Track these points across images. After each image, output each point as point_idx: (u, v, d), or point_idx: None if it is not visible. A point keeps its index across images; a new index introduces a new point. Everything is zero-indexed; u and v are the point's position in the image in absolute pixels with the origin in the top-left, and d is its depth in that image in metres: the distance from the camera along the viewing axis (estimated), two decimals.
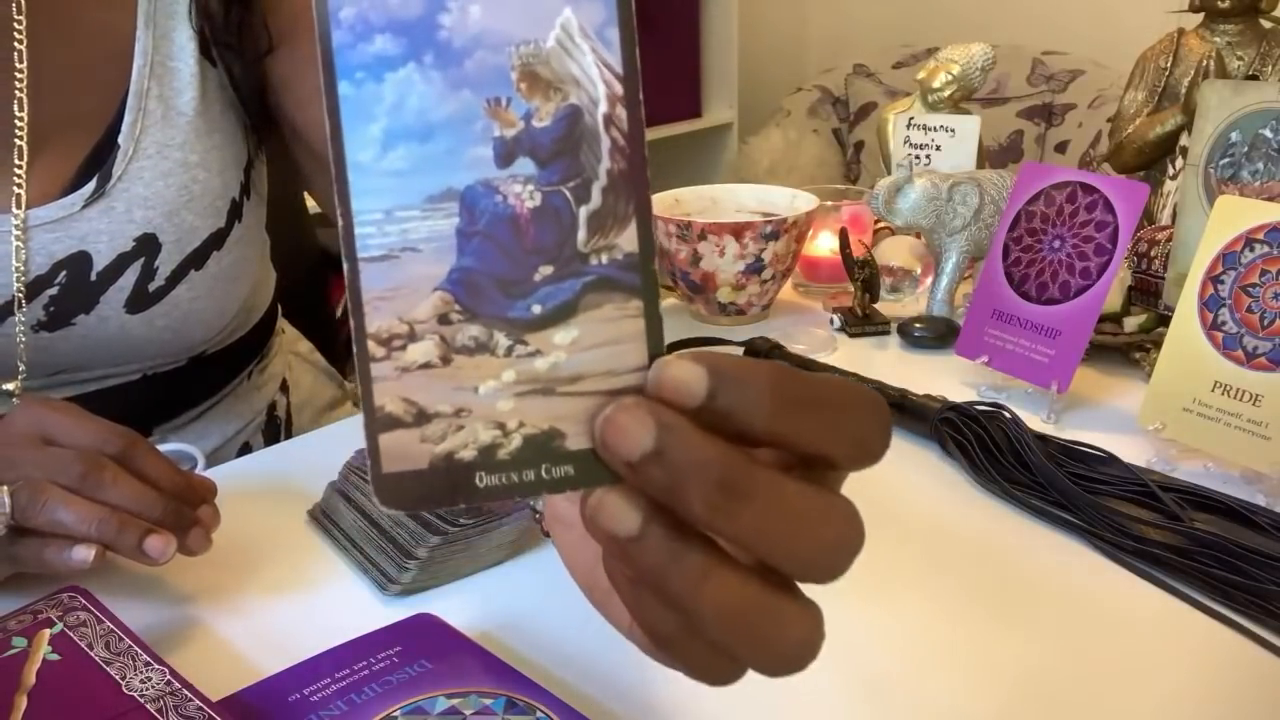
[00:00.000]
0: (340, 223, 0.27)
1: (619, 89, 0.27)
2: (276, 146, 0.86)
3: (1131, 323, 0.86)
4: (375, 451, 0.27)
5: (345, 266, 0.27)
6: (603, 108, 0.27)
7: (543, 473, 0.28)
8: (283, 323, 1.00)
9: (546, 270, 0.28)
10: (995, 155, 2.42)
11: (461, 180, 0.27)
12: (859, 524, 0.29)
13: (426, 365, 0.28)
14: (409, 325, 0.28)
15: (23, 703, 0.46)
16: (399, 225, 0.27)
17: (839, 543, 0.28)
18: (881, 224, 1.06)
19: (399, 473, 0.28)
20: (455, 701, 0.46)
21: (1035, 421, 0.74)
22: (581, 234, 0.28)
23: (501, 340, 0.28)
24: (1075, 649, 0.53)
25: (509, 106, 0.27)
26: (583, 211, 0.28)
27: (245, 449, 0.89)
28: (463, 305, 0.28)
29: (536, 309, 0.28)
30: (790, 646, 0.29)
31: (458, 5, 0.27)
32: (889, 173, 1.04)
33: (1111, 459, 0.66)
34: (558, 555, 0.41)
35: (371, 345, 0.27)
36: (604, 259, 0.28)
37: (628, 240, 0.28)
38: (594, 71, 0.27)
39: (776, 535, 0.27)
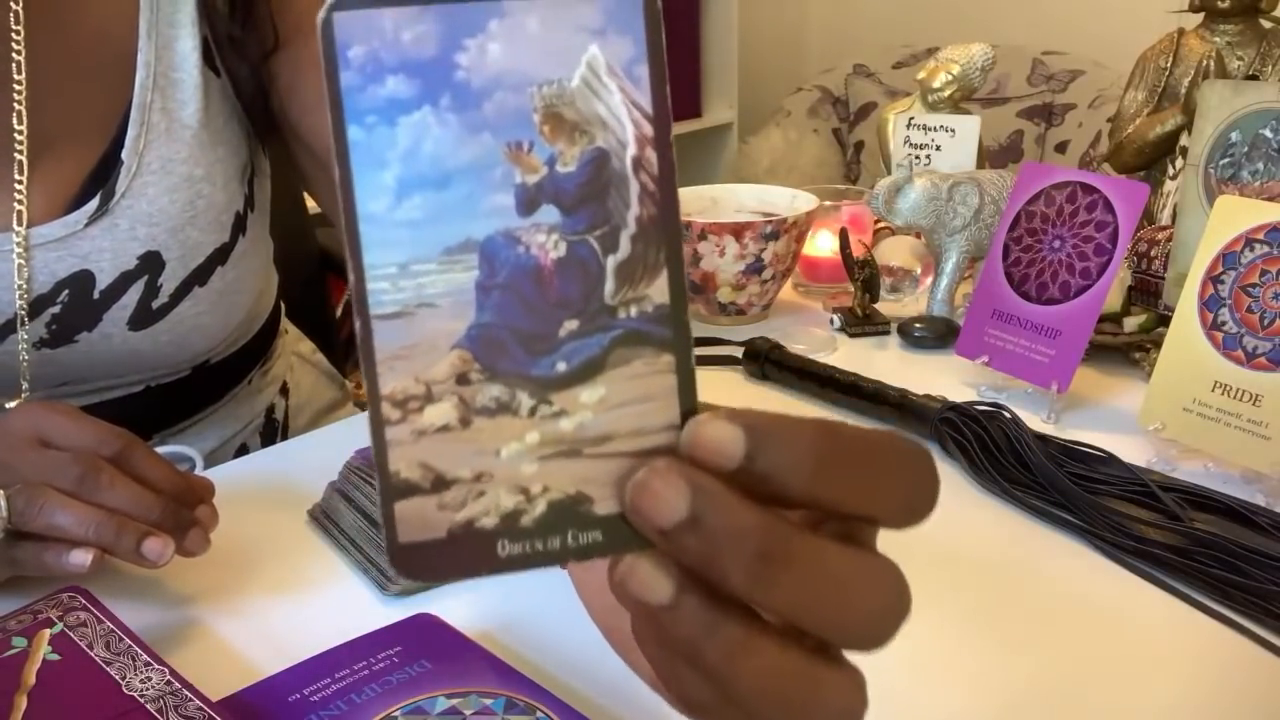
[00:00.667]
0: (351, 277, 0.26)
1: (649, 130, 0.26)
2: (278, 148, 0.86)
3: (1131, 323, 0.86)
4: (391, 520, 0.26)
5: (357, 324, 0.26)
6: (631, 150, 0.26)
7: (569, 539, 0.26)
8: (286, 323, 0.99)
9: (572, 325, 0.26)
10: (995, 155, 2.42)
11: (481, 230, 0.26)
12: (904, 588, 0.27)
13: (445, 428, 0.26)
14: (426, 386, 0.26)
15: (23, 703, 0.46)
16: (414, 280, 0.26)
17: (884, 611, 0.27)
18: (881, 224, 1.06)
19: (417, 543, 0.26)
20: (455, 701, 0.46)
21: (1035, 421, 0.74)
22: (609, 285, 0.26)
23: (524, 400, 0.26)
24: (1075, 649, 0.53)
25: (531, 151, 0.26)
26: (610, 261, 0.26)
27: (242, 450, 0.89)
28: (483, 364, 0.26)
29: (561, 366, 0.26)
30: (832, 716, 0.27)
31: (476, 43, 0.25)
32: (889, 173, 1.04)
33: (1111, 459, 0.66)
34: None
35: (386, 408, 0.26)
36: (633, 311, 0.26)
37: (659, 291, 0.26)
38: (622, 112, 0.26)
39: (818, 605, 0.26)
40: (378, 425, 0.26)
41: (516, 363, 0.26)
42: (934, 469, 0.28)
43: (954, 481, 0.69)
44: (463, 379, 0.26)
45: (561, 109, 0.26)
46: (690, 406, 0.27)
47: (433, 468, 0.26)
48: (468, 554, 0.26)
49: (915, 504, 0.27)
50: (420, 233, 0.25)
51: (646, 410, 0.26)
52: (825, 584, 0.26)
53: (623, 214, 0.26)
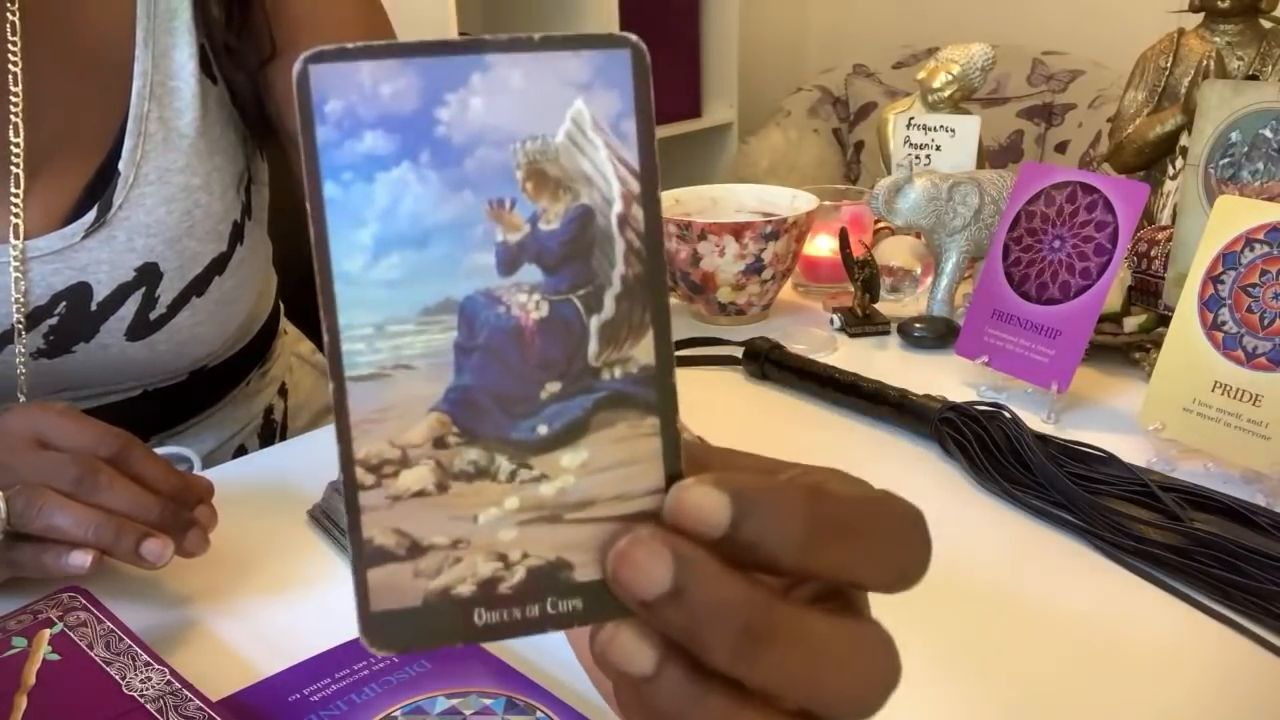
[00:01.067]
0: (325, 338, 0.25)
1: (635, 187, 0.25)
2: (276, 150, 0.86)
3: (1131, 323, 0.86)
4: (363, 588, 0.25)
5: (331, 386, 0.25)
6: (617, 207, 0.25)
7: (548, 607, 0.26)
8: (285, 323, 0.99)
9: (554, 387, 0.25)
10: (995, 155, 2.42)
11: (460, 290, 0.25)
12: (894, 657, 0.26)
13: (421, 493, 0.25)
14: (401, 450, 0.25)
15: (23, 703, 0.46)
16: (391, 341, 0.25)
17: (873, 683, 0.26)
18: (881, 224, 1.06)
19: (390, 611, 0.25)
20: (455, 701, 0.46)
21: (1035, 421, 0.74)
22: (593, 346, 0.25)
23: (504, 464, 0.25)
24: (1075, 649, 0.53)
25: (513, 208, 0.25)
26: (594, 321, 0.25)
27: (240, 451, 0.89)
28: (461, 427, 0.25)
29: (543, 429, 0.26)
30: None
31: (457, 99, 0.24)
32: (889, 173, 1.04)
33: (1111, 459, 0.66)
34: None
35: (360, 473, 0.25)
36: (617, 373, 0.26)
37: (644, 352, 0.26)
38: (608, 168, 0.25)
39: (805, 680, 0.25)
40: (351, 490, 0.25)
41: (496, 426, 0.25)
42: (926, 533, 0.27)
43: (954, 481, 0.69)
44: (440, 443, 0.25)
45: (545, 165, 0.25)
46: (675, 470, 0.26)
47: (408, 534, 0.25)
48: (443, 623, 0.25)
49: (908, 571, 0.26)
50: (398, 293, 0.25)
51: (630, 474, 0.26)
52: (811, 659, 0.25)
53: (607, 273, 0.25)
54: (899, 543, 0.26)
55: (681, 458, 0.26)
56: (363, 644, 0.25)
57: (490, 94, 0.25)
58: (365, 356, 0.25)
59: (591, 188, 0.25)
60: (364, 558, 0.25)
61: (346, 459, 0.25)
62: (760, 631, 0.24)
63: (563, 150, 0.25)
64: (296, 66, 0.24)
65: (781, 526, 0.25)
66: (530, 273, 0.25)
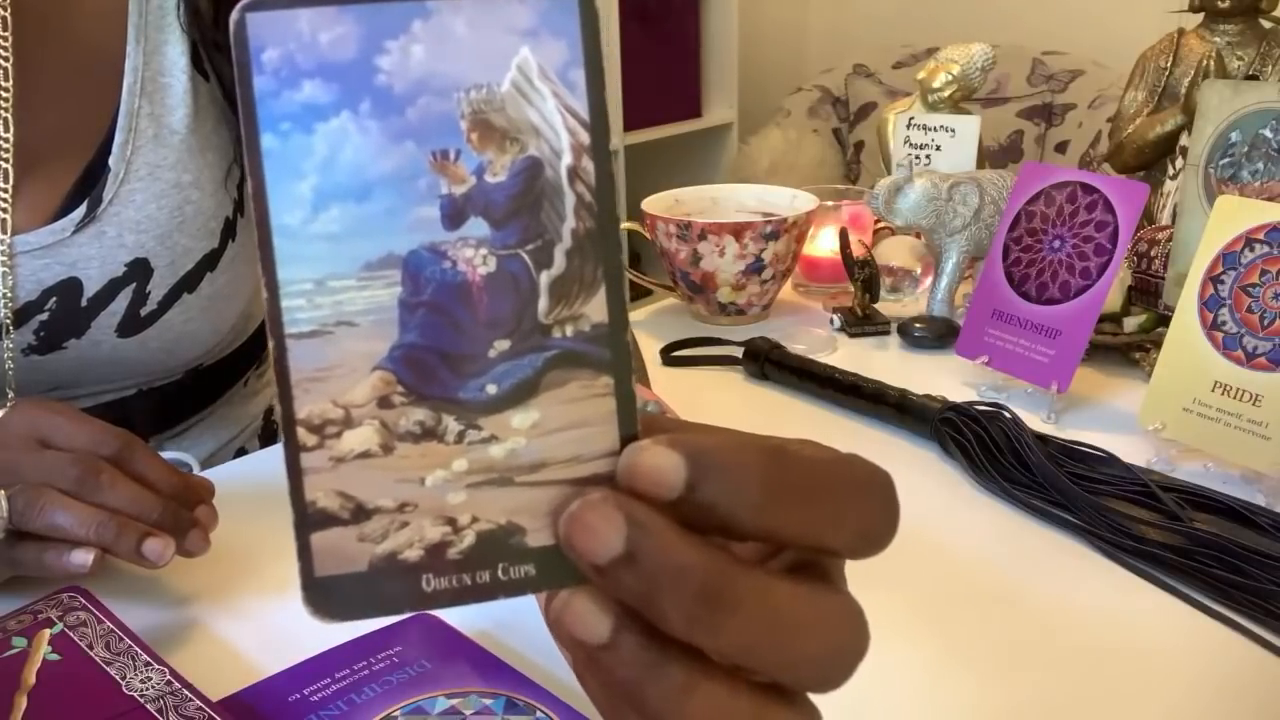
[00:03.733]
0: (264, 294, 0.24)
1: (585, 138, 0.24)
2: None
3: (1131, 323, 0.86)
4: (306, 552, 0.25)
5: (270, 344, 0.24)
6: (567, 159, 0.24)
7: (499, 573, 0.25)
8: None
9: (503, 345, 0.25)
10: (995, 155, 2.42)
11: (404, 244, 0.24)
12: (861, 626, 0.26)
13: (365, 454, 0.24)
14: (344, 410, 0.24)
15: (23, 703, 0.46)
16: (332, 296, 0.24)
17: (837, 652, 0.25)
18: (881, 224, 1.06)
19: (334, 576, 0.24)
20: (455, 701, 0.46)
21: (1035, 421, 0.74)
22: (543, 303, 0.25)
23: (451, 425, 0.25)
24: (1075, 649, 0.53)
25: (458, 160, 0.24)
26: (544, 278, 0.24)
27: (241, 455, 0.89)
28: (406, 386, 0.24)
29: (492, 389, 0.25)
30: None
31: (398, 46, 0.23)
32: (889, 173, 1.04)
33: (1111, 459, 0.66)
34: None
35: (301, 433, 0.24)
36: (569, 331, 0.25)
37: (596, 309, 0.25)
38: (556, 119, 0.24)
39: (765, 648, 0.24)
40: (292, 452, 0.24)
41: (443, 385, 0.25)
42: (894, 494, 0.26)
43: (954, 481, 0.69)
44: (385, 402, 0.24)
45: (490, 115, 0.24)
46: (630, 432, 0.25)
47: (352, 497, 0.24)
48: (390, 589, 0.25)
49: (873, 534, 0.26)
50: (339, 247, 0.24)
51: (583, 436, 0.25)
52: (771, 627, 0.24)
53: (557, 227, 0.24)
54: (863, 503, 0.26)
55: (637, 419, 0.25)
56: (306, 611, 0.25)
57: (432, 41, 0.24)
58: (306, 313, 0.24)
59: (539, 139, 0.24)
60: (306, 521, 0.25)
61: (288, 419, 0.24)
62: (717, 596, 0.23)
63: (509, 99, 0.24)
64: (234, 15, 0.23)
65: (738, 487, 0.24)
66: (477, 226, 0.24)
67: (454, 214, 0.24)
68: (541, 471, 0.25)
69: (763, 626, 0.24)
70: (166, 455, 0.75)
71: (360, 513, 0.25)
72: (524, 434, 0.25)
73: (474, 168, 0.24)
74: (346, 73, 0.24)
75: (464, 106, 0.24)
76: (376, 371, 0.24)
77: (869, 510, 0.26)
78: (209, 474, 0.67)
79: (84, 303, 0.72)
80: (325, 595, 0.25)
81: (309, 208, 0.24)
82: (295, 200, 0.24)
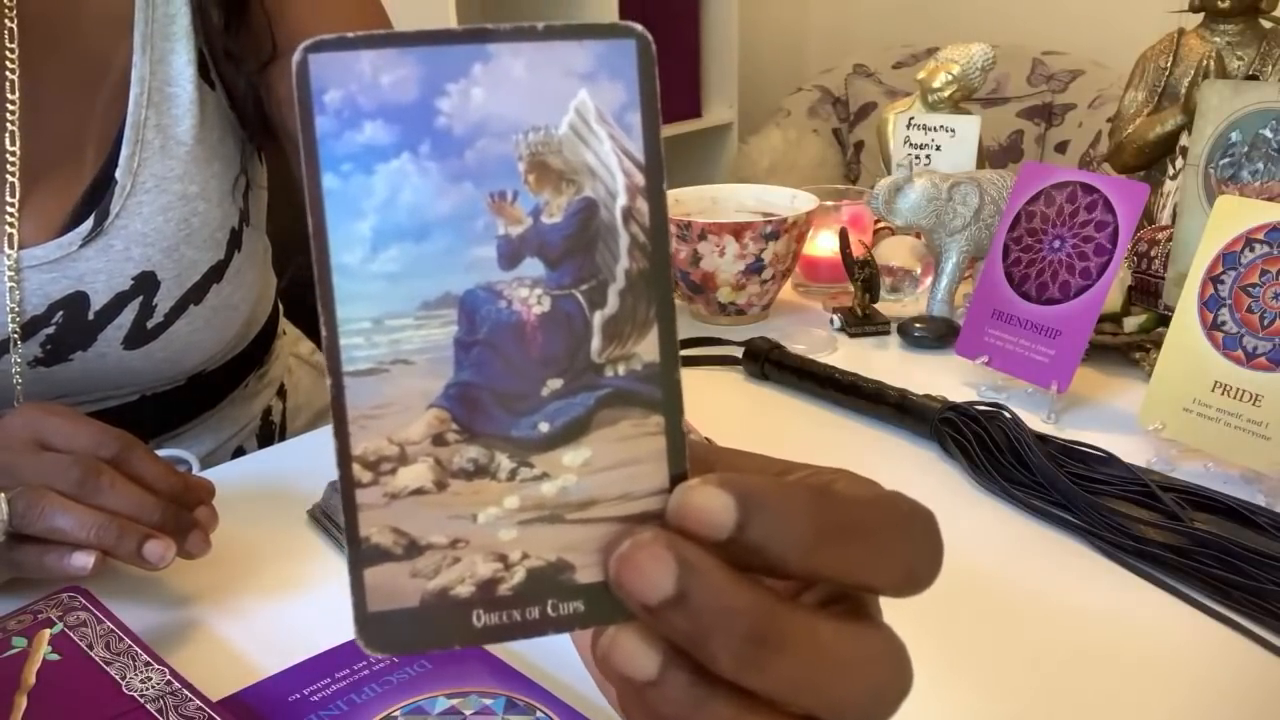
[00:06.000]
0: (323, 332, 0.24)
1: (640, 180, 0.25)
2: (272, 151, 0.85)
3: (1131, 323, 0.86)
4: (360, 587, 0.25)
5: (329, 381, 0.24)
6: (622, 200, 0.25)
7: (549, 609, 0.25)
8: (284, 324, 0.99)
9: (556, 384, 0.25)
10: (995, 155, 2.42)
11: (461, 284, 0.24)
12: (904, 664, 0.26)
13: (419, 491, 0.25)
14: (399, 447, 0.25)
15: (23, 703, 0.46)
16: (389, 335, 0.24)
17: (881, 690, 0.25)
18: (881, 224, 1.06)
19: (386, 611, 0.25)
20: (455, 701, 0.46)
21: (1035, 421, 0.74)
22: (596, 342, 0.25)
23: (504, 462, 0.25)
24: (1075, 649, 0.53)
25: (515, 201, 0.24)
26: (597, 317, 0.25)
27: (239, 453, 0.89)
28: (460, 424, 0.25)
29: (544, 427, 0.25)
30: None
31: (458, 89, 0.24)
32: (889, 173, 1.04)
33: (1111, 459, 0.66)
34: None
35: (357, 469, 0.24)
36: (621, 370, 0.25)
37: (648, 348, 0.25)
38: (612, 160, 0.25)
39: (812, 688, 0.24)
40: (348, 488, 0.24)
41: (496, 423, 0.25)
42: (937, 534, 0.26)
43: (954, 481, 0.69)
44: (439, 440, 0.25)
45: (548, 157, 0.24)
46: (680, 470, 0.25)
47: (405, 533, 0.25)
48: (441, 624, 0.25)
49: (917, 573, 0.26)
50: (397, 286, 0.24)
51: (633, 474, 0.25)
52: (817, 666, 0.24)
53: (611, 267, 0.25)
54: (908, 544, 0.26)
55: (686, 457, 0.25)
56: (359, 645, 0.25)
57: (492, 84, 0.24)
58: (363, 351, 0.24)
59: (595, 180, 0.25)
60: (361, 557, 0.25)
61: (344, 455, 0.24)
62: (766, 638, 0.24)
63: (566, 142, 0.24)
64: (296, 56, 0.23)
65: (788, 528, 0.24)
66: (532, 266, 0.25)
67: (510, 254, 0.25)
68: (591, 509, 0.25)
69: (810, 667, 0.24)
70: (165, 453, 0.75)
71: (413, 549, 0.25)
72: (575, 472, 0.25)
73: (531, 209, 0.25)
74: (407, 114, 0.24)
75: (522, 148, 0.24)
76: (431, 409, 0.25)
77: (915, 549, 0.26)
78: (208, 474, 0.67)
79: (91, 316, 0.72)
80: (378, 630, 0.25)
81: (368, 247, 0.24)
82: (355, 239, 0.24)
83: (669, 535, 0.24)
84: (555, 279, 0.25)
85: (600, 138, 0.25)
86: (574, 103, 0.24)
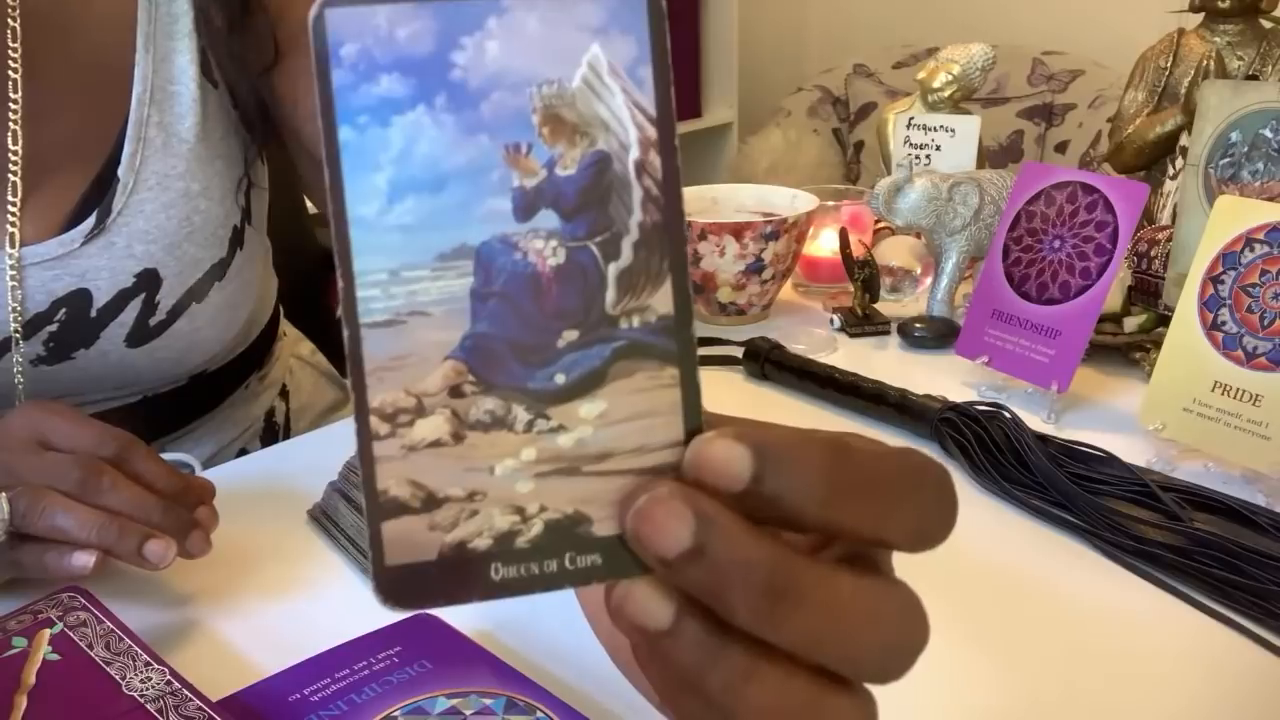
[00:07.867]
0: (341, 284, 0.24)
1: (652, 133, 0.25)
2: (276, 150, 0.85)
3: (1131, 323, 0.86)
4: (378, 541, 0.24)
5: (346, 333, 0.24)
6: (634, 153, 0.25)
7: (566, 562, 0.25)
8: (285, 325, 0.99)
9: (571, 335, 0.25)
10: (995, 155, 2.42)
11: (476, 236, 0.25)
12: (921, 618, 0.26)
13: (436, 443, 0.25)
14: (417, 398, 0.25)
15: (23, 703, 0.46)
16: (406, 286, 0.24)
17: (898, 644, 0.25)
18: (881, 224, 1.06)
19: (404, 565, 0.25)
20: (455, 701, 0.46)
21: (1035, 421, 0.74)
22: (610, 294, 0.25)
23: (521, 414, 0.25)
24: (1075, 649, 0.53)
25: (530, 153, 0.25)
26: (612, 269, 0.25)
27: (242, 455, 0.89)
28: (477, 375, 0.25)
29: (560, 379, 0.25)
30: None
31: (473, 42, 0.24)
32: (889, 173, 1.04)
33: (1111, 459, 0.66)
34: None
35: (375, 421, 0.24)
36: (635, 322, 0.25)
37: (662, 301, 0.25)
38: (625, 114, 0.25)
39: (829, 640, 0.24)
40: (365, 440, 0.24)
41: (512, 375, 0.25)
42: (952, 489, 0.26)
43: (954, 481, 0.69)
44: (456, 391, 0.25)
45: (561, 110, 0.25)
46: (695, 423, 0.25)
47: (423, 485, 0.25)
48: (459, 578, 0.25)
49: (931, 527, 0.26)
50: (413, 238, 0.24)
51: (649, 426, 0.25)
52: (837, 619, 0.24)
53: (625, 220, 0.25)
54: (923, 496, 0.26)
55: (701, 410, 0.25)
56: (377, 600, 0.25)
57: (506, 38, 0.24)
58: (380, 303, 0.24)
59: (608, 133, 0.25)
60: (379, 510, 0.25)
61: (361, 407, 0.25)
62: (784, 590, 0.24)
63: (579, 95, 0.25)
64: (313, 11, 0.24)
65: (804, 480, 0.24)
66: (547, 218, 0.25)
67: (525, 206, 0.25)
68: (608, 461, 0.25)
69: (827, 620, 0.24)
70: (168, 456, 0.75)
71: (431, 501, 0.25)
72: (591, 424, 0.25)
73: (545, 161, 0.25)
74: (423, 67, 0.24)
75: (536, 101, 0.24)
76: (448, 361, 0.25)
77: (928, 504, 0.26)
78: (210, 474, 0.67)
79: (93, 314, 0.72)
80: (395, 584, 0.25)
81: (384, 199, 0.24)
82: (371, 192, 0.24)
83: (685, 489, 0.24)
84: (570, 231, 0.25)
85: (613, 91, 0.25)
86: (586, 56, 0.25)
